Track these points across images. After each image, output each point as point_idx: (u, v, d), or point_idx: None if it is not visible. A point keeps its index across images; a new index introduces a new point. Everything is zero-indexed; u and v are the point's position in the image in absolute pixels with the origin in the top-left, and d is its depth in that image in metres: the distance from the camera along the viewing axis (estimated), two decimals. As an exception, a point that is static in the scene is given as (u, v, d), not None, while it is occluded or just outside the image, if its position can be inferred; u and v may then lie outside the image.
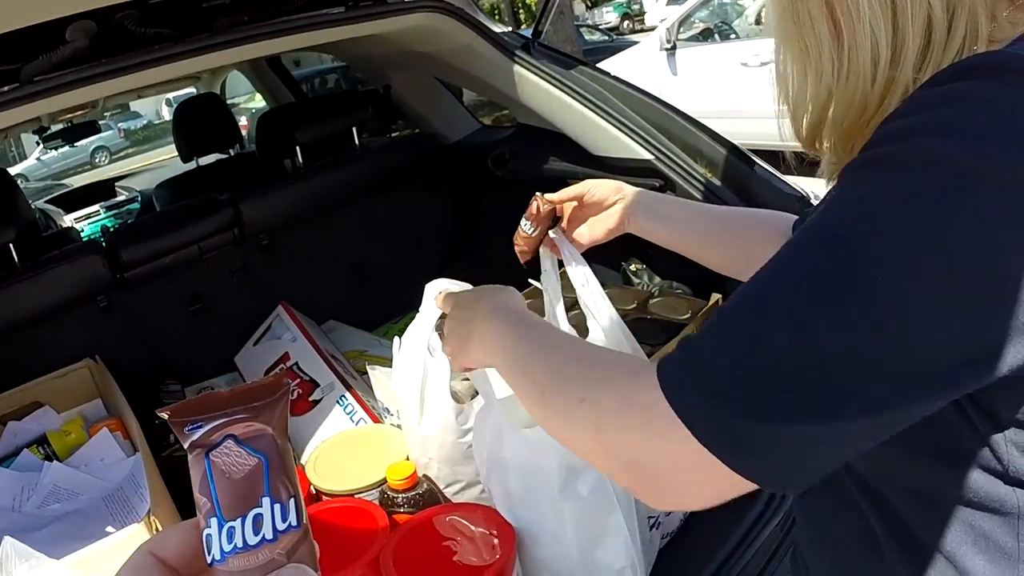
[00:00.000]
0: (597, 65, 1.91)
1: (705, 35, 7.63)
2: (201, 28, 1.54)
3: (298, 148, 2.28)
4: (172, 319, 1.96)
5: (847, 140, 0.66)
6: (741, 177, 1.50)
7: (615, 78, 1.77)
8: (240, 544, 0.48)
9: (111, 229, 4.15)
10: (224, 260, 2.01)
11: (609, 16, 30.33)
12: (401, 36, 1.83)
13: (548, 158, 1.93)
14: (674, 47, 7.36)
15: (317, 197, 2.18)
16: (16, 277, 1.75)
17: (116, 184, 5.14)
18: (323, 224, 2.21)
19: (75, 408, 1.72)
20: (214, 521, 0.49)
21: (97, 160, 18.20)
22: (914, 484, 0.61)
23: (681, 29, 7.51)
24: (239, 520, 0.48)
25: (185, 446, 0.50)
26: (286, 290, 2.04)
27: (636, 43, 9.88)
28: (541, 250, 1.21)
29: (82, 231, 4.26)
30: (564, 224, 1.19)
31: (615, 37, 18.37)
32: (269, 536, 0.48)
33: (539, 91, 1.76)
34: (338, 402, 1.67)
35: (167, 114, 17.04)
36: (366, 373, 1.66)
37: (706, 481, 0.55)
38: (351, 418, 1.63)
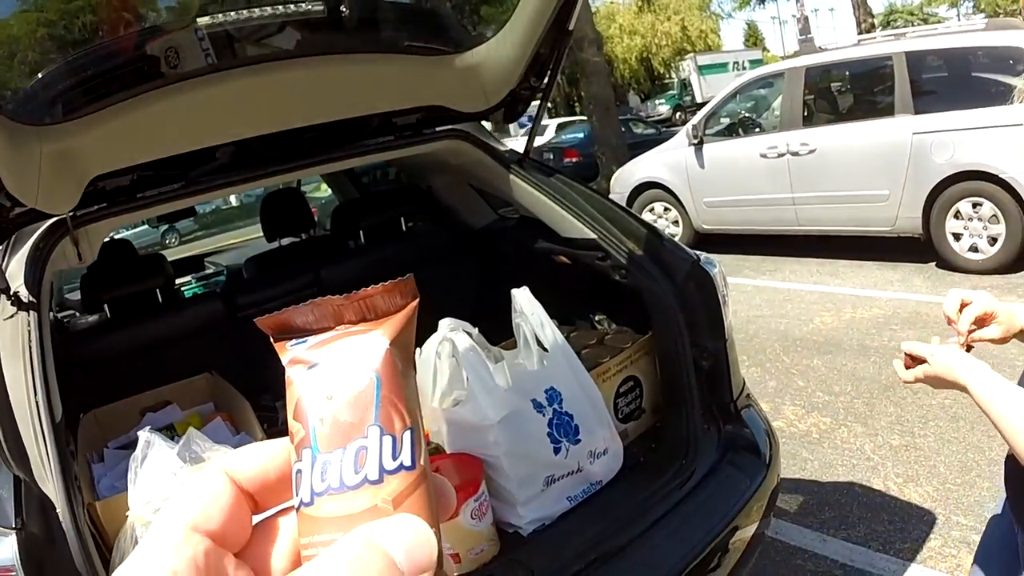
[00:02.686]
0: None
1: (730, 130, 8.38)
2: (300, 152, 2.36)
3: (360, 232, 3.09)
4: (268, 351, 2.72)
5: None
6: (653, 246, 2.21)
7: (578, 181, 2.51)
8: (335, 484, 0.37)
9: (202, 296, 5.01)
10: None
11: (662, 108, 31.60)
12: (433, 154, 2.62)
13: (537, 240, 2.66)
14: (701, 142, 8.11)
15: (375, 268, 2.96)
16: (161, 312, 2.56)
17: (205, 259, 6.06)
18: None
19: (194, 408, 2.46)
20: (307, 453, 0.38)
21: (167, 241, 19.73)
22: None
23: (708, 125, 8.26)
24: (338, 452, 0.38)
25: (284, 362, 0.42)
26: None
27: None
28: (513, 298, 1.96)
29: (180, 296, 5.12)
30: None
31: (662, 130, 19.35)
32: (373, 476, 0.37)
33: (527, 193, 2.51)
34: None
35: (234, 200, 18.45)
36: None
37: None
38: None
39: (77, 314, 3.10)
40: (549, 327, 2.04)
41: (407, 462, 0.38)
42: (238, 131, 2.18)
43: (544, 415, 1.95)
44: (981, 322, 1.40)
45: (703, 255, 2.25)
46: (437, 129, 2.54)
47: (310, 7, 2.23)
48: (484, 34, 2.36)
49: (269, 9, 2.21)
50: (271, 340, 0.43)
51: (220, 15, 2.14)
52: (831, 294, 6.27)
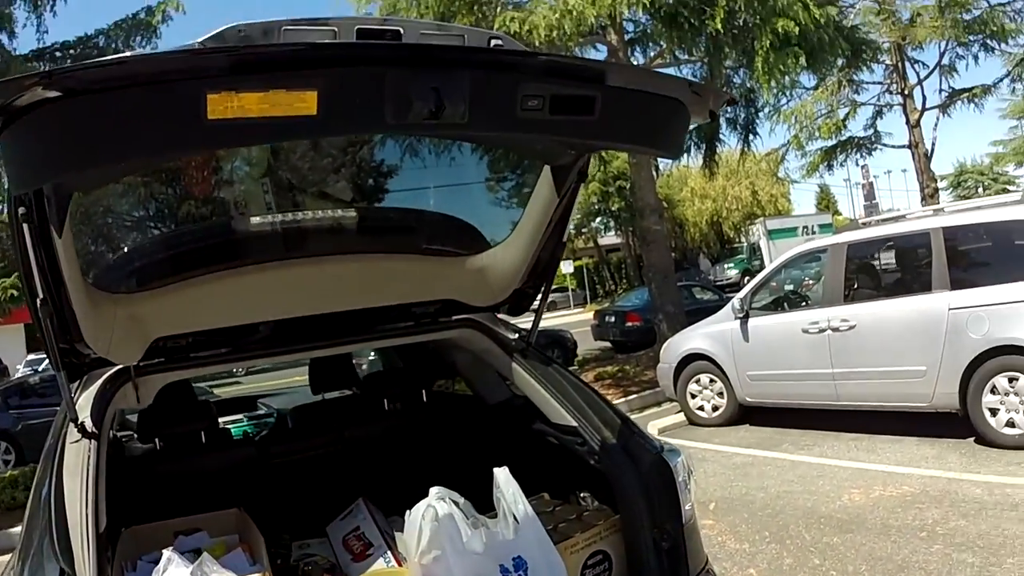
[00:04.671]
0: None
1: (776, 304, 8.62)
2: (331, 331, 2.79)
3: (385, 400, 3.49)
4: (289, 498, 3.08)
5: None
6: (624, 435, 2.52)
7: (568, 371, 2.87)
8: None
9: (251, 434, 5.21)
10: (331, 464, 3.15)
11: (730, 272, 32.08)
12: (447, 340, 3.03)
13: (536, 421, 2.99)
14: (746, 315, 8.30)
15: (398, 431, 3.34)
16: (205, 451, 2.96)
17: (258, 400, 6.55)
18: (399, 448, 3.33)
19: (222, 537, 2.77)
20: None
21: (235, 371, 20.91)
22: None
23: (756, 297, 8.49)
24: None
25: None
26: (366, 490, 3.14)
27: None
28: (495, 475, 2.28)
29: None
30: None
31: (725, 296, 19.70)
32: None
33: (525, 380, 2.86)
34: (382, 556, 2.69)
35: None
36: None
37: None
38: (387, 564, 2.64)
39: (135, 435, 3.52)
40: (522, 503, 2.34)
41: None
42: (282, 311, 2.63)
43: (508, 581, 2.22)
44: None
45: (668, 445, 2.56)
46: (452, 318, 2.96)
47: (350, 213, 2.73)
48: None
49: (323, 212, 2.72)
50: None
51: (280, 214, 2.64)
52: (864, 471, 6.32)
